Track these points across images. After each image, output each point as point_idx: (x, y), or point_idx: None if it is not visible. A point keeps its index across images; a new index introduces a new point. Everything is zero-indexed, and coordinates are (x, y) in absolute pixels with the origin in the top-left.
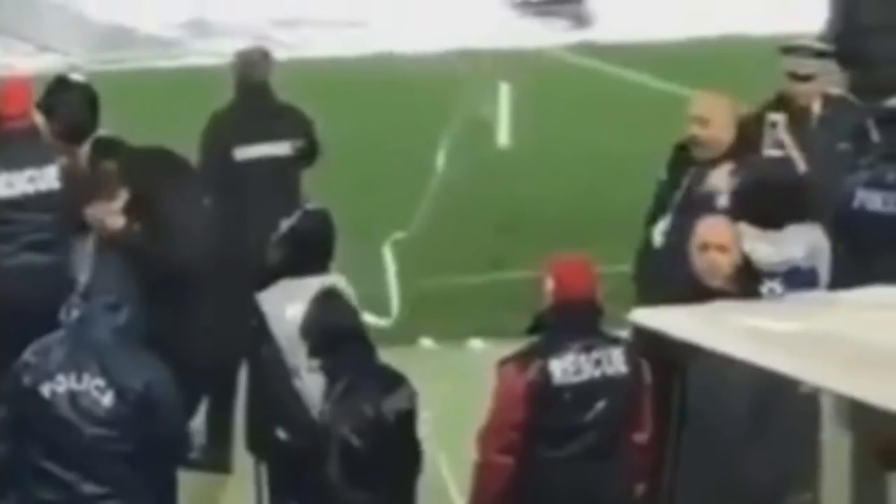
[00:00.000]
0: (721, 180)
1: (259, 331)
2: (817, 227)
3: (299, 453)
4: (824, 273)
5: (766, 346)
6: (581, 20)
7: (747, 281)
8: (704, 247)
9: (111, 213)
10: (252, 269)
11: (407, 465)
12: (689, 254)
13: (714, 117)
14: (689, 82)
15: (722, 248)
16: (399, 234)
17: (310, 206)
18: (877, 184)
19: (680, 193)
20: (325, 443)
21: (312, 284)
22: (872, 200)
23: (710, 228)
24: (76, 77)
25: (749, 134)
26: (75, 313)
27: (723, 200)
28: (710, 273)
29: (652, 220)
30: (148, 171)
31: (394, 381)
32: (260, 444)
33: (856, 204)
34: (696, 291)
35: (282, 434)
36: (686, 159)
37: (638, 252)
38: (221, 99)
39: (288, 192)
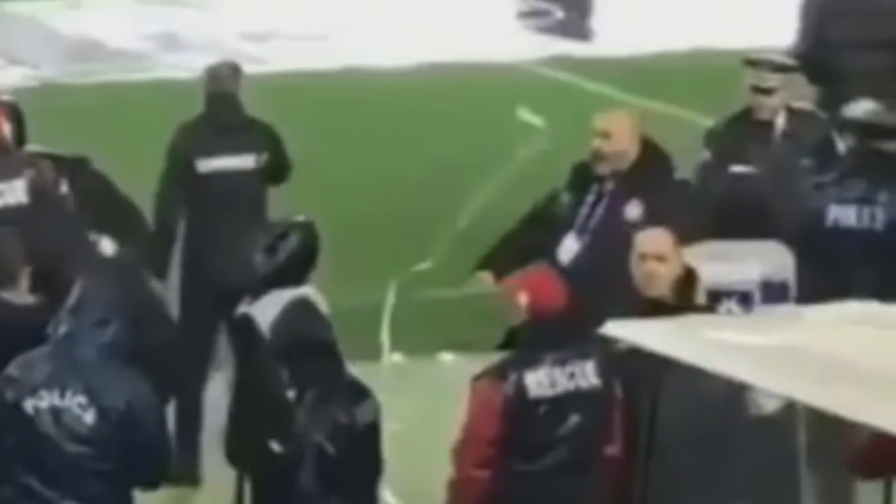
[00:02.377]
0: None
1: (252, 342)
2: (780, 244)
3: (291, 464)
4: (793, 287)
5: (739, 359)
6: (559, 32)
7: (690, 292)
8: (643, 257)
9: (19, 295)
10: (216, 280)
11: (372, 475)
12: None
13: (617, 131)
14: (660, 96)
15: (660, 258)
16: (369, 248)
17: (299, 218)
18: (849, 199)
19: (584, 211)
20: (302, 450)
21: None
22: (846, 216)
23: (648, 239)
24: (3, 97)
25: (655, 148)
26: (62, 328)
27: None
28: (649, 283)
29: (529, 231)
30: (46, 244)
31: (362, 393)
32: (245, 457)
33: (829, 222)
34: (635, 304)
35: (275, 446)
36: (588, 177)
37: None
38: (191, 112)
39: (251, 205)
